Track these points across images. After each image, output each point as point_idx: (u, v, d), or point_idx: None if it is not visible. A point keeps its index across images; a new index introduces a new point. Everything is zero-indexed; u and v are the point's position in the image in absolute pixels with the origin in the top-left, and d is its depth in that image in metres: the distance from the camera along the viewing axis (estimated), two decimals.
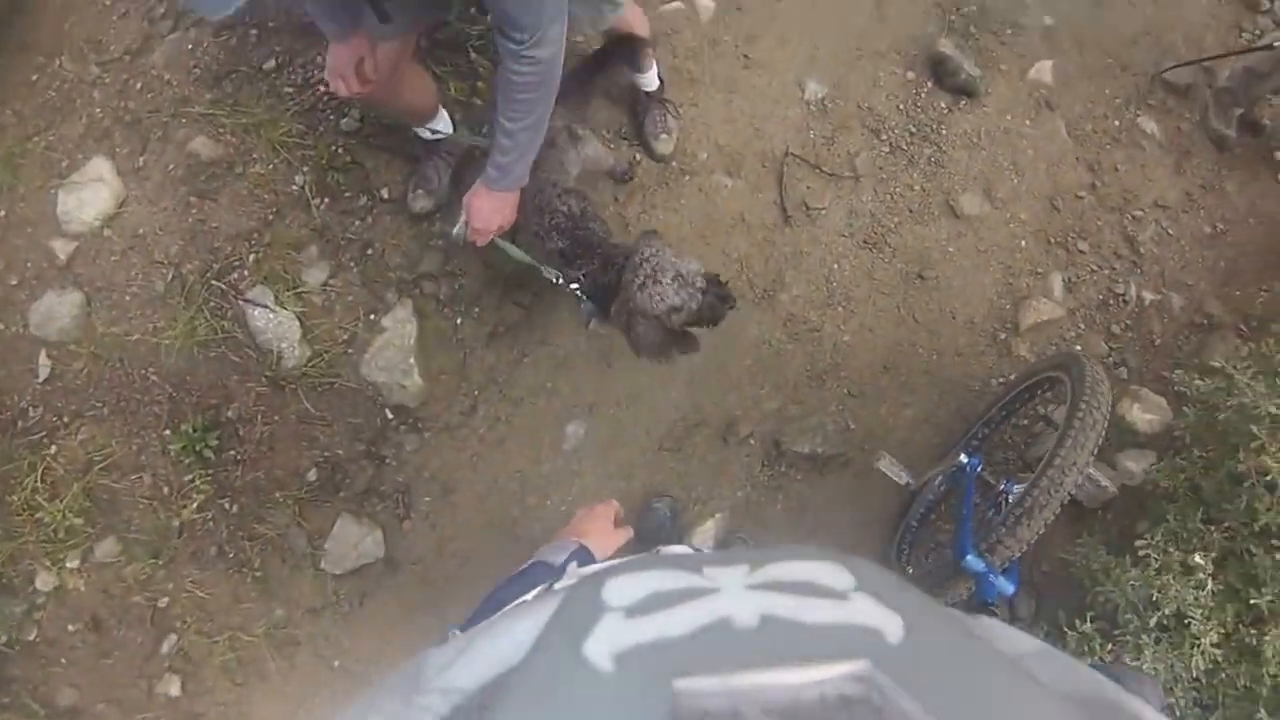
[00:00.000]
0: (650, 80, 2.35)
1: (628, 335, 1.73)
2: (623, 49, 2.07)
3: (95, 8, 2.49)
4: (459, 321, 2.35)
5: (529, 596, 0.80)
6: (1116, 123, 2.74)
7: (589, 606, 0.39)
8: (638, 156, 2.43)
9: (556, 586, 0.78)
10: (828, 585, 0.39)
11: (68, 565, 2.07)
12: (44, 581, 2.05)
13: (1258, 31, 3.14)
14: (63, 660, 2.06)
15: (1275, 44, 2.68)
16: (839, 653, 0.32)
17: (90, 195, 2.28)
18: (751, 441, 2.38)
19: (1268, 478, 1.81)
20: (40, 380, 2.18)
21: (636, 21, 2.09)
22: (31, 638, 2.08)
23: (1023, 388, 2.13)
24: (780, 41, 2.57)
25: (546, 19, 1.41)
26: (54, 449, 2.13)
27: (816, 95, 2.53)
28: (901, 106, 2.56)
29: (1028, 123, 2.64)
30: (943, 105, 2.59)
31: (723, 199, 2.43)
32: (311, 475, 2.19)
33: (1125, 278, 2.58)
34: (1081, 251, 2.56)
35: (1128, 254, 2.61)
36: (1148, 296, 2.58)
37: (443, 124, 2.21)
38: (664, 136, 2.41)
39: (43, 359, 2.20)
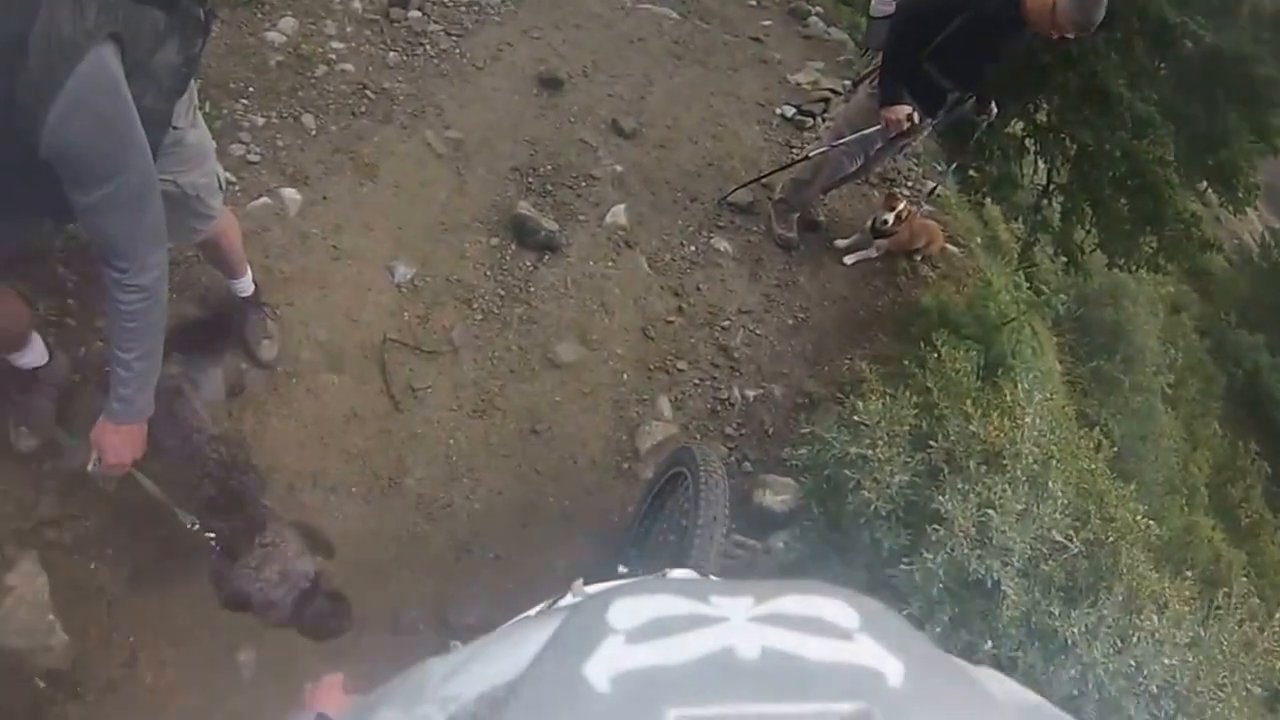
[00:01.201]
0: (245, 285, 2.34)
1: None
2: (228, 319, 2.20)
3: None
4: (93, 566, 2.17)
5: (532, 612, 0.77)
6: (693, 248, 3.11)
7: (592, 627, 0.39)
8: (244, 366, 2.38)
9: (560, 604, 0.76)
10: (833, 623, 0.39)
11: None
12: None
13: (805, 148, 3.76)
14: None
15: (810, 154, 3.21)
16: (839, 691, 0.33)
17: None
18: (420, 627, 2.34)
19: (873, 509, 2.06)
20: None
21: (228, 229, 2.09)
22: None
23: (654, 495, 2.29)
24: (366, 228, 2.67)
25: (145, 247, 1.43)
26: None
27: (406, 276, 2.63)
28: (489, 273, 2.73)
29: (610, 264, 2.92)
30: (528, 264, 2.79)
31: (331, 396, 2.44)
32: None
33: (727, 383, 2.89)
34: (681, 370, 2.84)
35: (724, 362, 2.93)
36: (750, 394, 2.90)
37: (36, 353, 2.06)
38: (266, 342, 2.40)
39: None
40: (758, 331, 3.06)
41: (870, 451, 2.17)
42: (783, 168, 3.43)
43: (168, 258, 1.53)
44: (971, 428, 2.18)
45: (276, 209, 2.66)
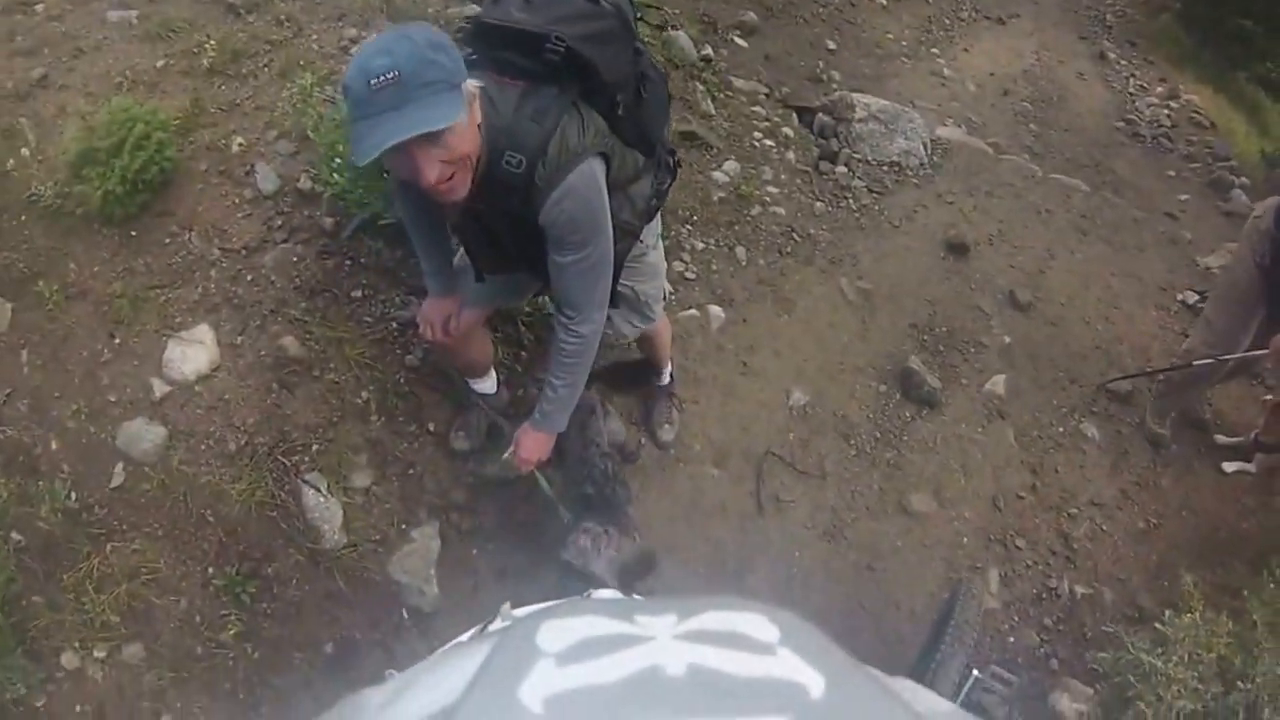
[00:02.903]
0: (664, 377, 2.92)
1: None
2: (648, 368, 2.70)
3: (226, 202, 2.93)
4: (474, 553, 2.70)
5: (464, 638, 0.80)
6: (1061, 429, 3.25)
7: (524, 650, 0.40)
8: (643, 440, 2.96)
9: (490, 628, 0.78)
10: (755, 638, 0.41)
11: (94, 654, 2.19)
12: (69, 660, 2.18)
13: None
14: None
15: (1195, 363, 3.14)
16: (763, 705, 0.33)
17: (192, 353, 2.57)
18: None
19: None
20: (112, 486, 2.37)
21: (663, 331, 2.63)
22: (39, 704, 2.21)
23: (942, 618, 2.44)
24: (774, 354, 3.20)
25: (593, 305, 1.86)
26: (109, 548, 2.32)
27: (800, 402, 3.12)
28: (871, 415, 3.13)
29: (979, 430, 3.18)
30: (907, 414, 3.15)
31: (709, 487, 2.94)
32: (329, 649, 2.36)
33: (1059, 573, 3.01)
34: (1019, 548, 3.03)
35: (1062, 550, 3.05)
36: (1080, 590, 3.00)
37: (489, 384, 2.69)
38: (667, 426, 2.95)
39: (119, 469, 2.39)
40: (1104, 528, 3.12)
41: (1164, 664, 2.12)
42: (1170, 369, 3.39)
43: (604, 321, 1.91)
44: None
45: (702, 321, 3.22)
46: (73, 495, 2.35)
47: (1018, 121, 5.13)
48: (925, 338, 3.28)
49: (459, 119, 1.46)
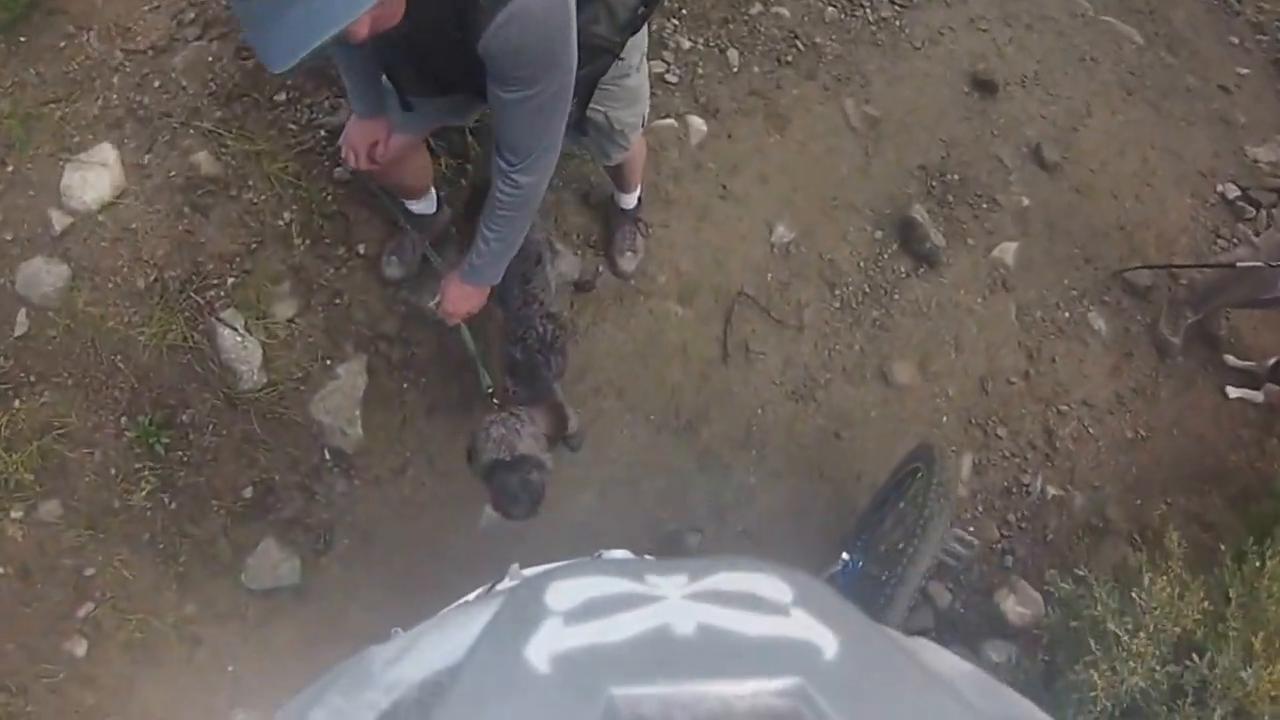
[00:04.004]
0: (630, 201, 2.44)
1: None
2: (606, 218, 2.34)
3: None
4: (404, 387, 2.45)
5: (471, 597, 0.81)
6: (1067, 314, 2.83)
7: (531, 609, 0.40)
8: (600, 268, 2.51)
9: (498, 588, 0.79)
10: (768, 598, 0.40)
11: (11, 515, 2.17)
12: None
13: (1235, 240, 3.22)
14: None
15: (1237, 262, 2.76)
16: (774, 666, 0.33)
17: (94, 178, 2.35)
18: (625, 551, 2.48)
19: (1092, 694, 1.92)
20: (15, 335, 2.26)
21: (637, 152, 2.17)
22: None
23: (891, 485, 2.27)
24: (761, 178, 2.64)
25: (540, 150, 1.53)
26: (18, 404, 2.22)
27: (783, 239, 2.60)
28: (862, 264, 2.64)
29: (979, 300, 2.73)
30: (902, 269, 2.67)
31: (670, 325, 2.52)
32: (247, 493, 2.30)
33: (1035, 469, 2.69)
34: (999, 437, 2.67)
35: (1043, 446, 2.72)
36: (1051, 491, 2.69)
37: (428, 204, 2.31)
38: (629, 254, 2.50)
39: (21, 317, 2.26)
40: (1091, 430, 2.78)
41: (1126, 636, 1.97)
42: (1198, 265, 2.98)
43: (552, 167, 1.60)
44: (1243, 674, 1.91)
45: (680, 133, 2.68)
46: None
47: None
48: (934, 184, 2.76)
49: None
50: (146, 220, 2.34)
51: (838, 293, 2.60)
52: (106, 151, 2.38)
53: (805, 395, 2.53)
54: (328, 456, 2.37)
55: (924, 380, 2.62)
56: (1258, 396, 2.91)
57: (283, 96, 2.50)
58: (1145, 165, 3.19)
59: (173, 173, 2.39)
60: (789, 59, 2.89)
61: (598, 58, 1.59)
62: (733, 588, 0.41)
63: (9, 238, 2.31)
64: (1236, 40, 3.72)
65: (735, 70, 2.83)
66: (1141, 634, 1.96)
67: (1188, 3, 3.65)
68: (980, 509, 2.62)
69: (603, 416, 2.50)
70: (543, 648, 0.36)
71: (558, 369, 2.03)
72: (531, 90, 1.40)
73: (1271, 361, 2.91)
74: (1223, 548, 2.31)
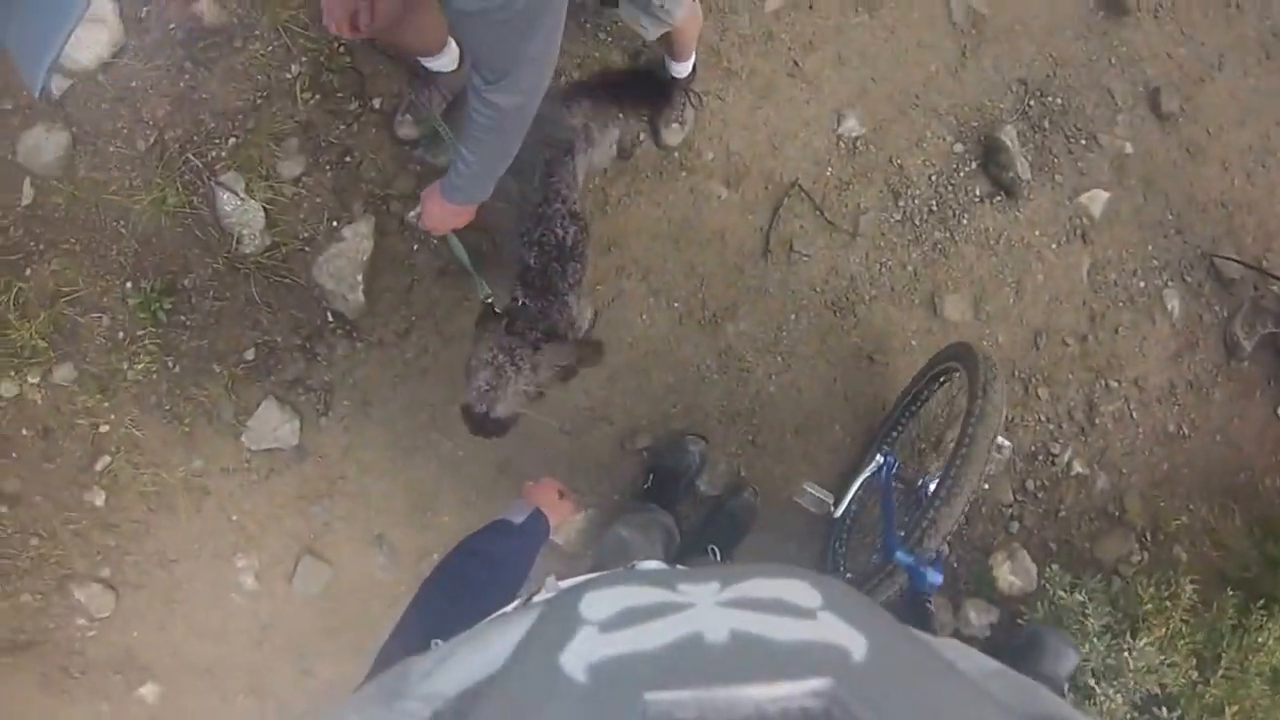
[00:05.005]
0: (683, 70, 2.14)
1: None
2: (654, 84, 2.06)
3: None
4: (415, 248, 2.29)
5: (509, 609, 0.82)
6: (1142, 284, 2.55)
7: (566, 620, 0.41)
8: (642, 136, 2.23)
9: (535, 599, 0.81)
10: (797, 603, 0.40)
11: (29, 380, 2.23)
12: (6, 389, 2.23)
13: None
14: (13, 454, 2.26)
15: None
16: (805, 669, 0.33)
17: (89, 36, 2.20)
18: (644, 454, 2.30)
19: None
20: (23, 205, 2.22)
21: (690, 22, 1.87)
22: None
23: (923, 383, 2.09)
24: (838, 60, 2.32)
25: (521, 65, 1.23)
26: (29, 273, 2.21)
27: (851, 132, 2.30)
28: (934, 178, 2.34)
29: (1053, 247, 2.45)
30: (976, 193, 2.37)
31: (710, 209, 2.26)
32: (249, 355, 2.28)
33: (1066, 441, 2.47)
34: (1039, 397, 2.44)
35: (1082, 419, 2.49)
36: (1077, 467, 2.48)
37: (448, 60, 2.05)
38: (676, 126, 2.22)
39: (27, 187, 2.22)
40: (1135, 414, 2.54)
41: (1103, 696, 2.00)
42: None
43: (540, 90, 1.31)
44: None
45: None
46: None
47: None
48: (1031, 104, 2.44)
49: None
50: (146, 78, 2.23)
51: (901, 204, 2.31)
52: (103, 4, 2.22)
53: (845, 308, 2.28)
54: (330, 319, 2.31)
55: (975, 318, 2.36)
56: None
57: None
58: (1265, 142, 2.84)
59: (172, 25, 2.22)
60: None
61: None
62: (763, 594, 0.42)
63: (9, 107, 2.21)
64: None
65: None
66: (1119, 696, 2.00)
67: None
68: (1000, 467, 2.41)
69: (623, 297, 2.27)
70: (578, 656, 0.37)
71: (575, 278, 1.77)
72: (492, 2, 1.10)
73: None
74: (1229, 591, 2.24)
